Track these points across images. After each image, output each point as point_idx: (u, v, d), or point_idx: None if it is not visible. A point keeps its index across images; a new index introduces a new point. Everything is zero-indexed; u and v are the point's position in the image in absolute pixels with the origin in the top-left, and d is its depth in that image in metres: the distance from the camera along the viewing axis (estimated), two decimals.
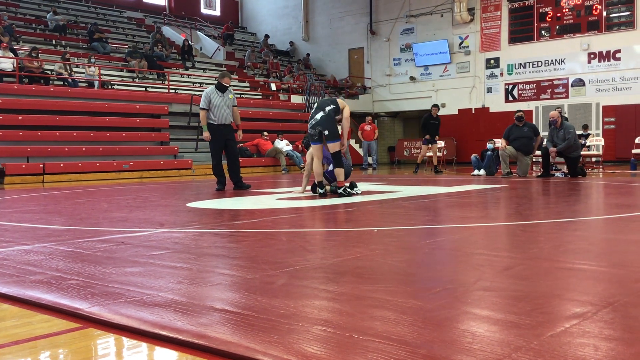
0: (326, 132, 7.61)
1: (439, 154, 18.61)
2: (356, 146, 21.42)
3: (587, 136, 15.95)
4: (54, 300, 2.51)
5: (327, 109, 7.72)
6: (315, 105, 8.03)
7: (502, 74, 21.91)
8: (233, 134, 9.57)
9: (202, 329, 2.06)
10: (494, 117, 21.68)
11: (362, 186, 8.68)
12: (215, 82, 9.49)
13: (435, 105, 15.92)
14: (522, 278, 2.81)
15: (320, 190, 7.77)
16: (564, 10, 20.45)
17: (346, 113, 7.86)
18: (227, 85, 9.34)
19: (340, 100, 7.97)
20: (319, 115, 7.71)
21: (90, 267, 3.18)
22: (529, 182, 10.44)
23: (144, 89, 18.35)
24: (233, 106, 9.45)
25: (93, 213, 6.25)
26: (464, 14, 22.26)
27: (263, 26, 30.07)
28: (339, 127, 7.91)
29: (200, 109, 9.36)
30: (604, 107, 19.71)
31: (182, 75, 20.68)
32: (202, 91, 18.86)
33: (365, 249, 3.69)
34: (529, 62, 21.25)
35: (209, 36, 26.25)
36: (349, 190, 7.74)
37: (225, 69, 23.04)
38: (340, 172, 7.72)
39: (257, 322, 2.11)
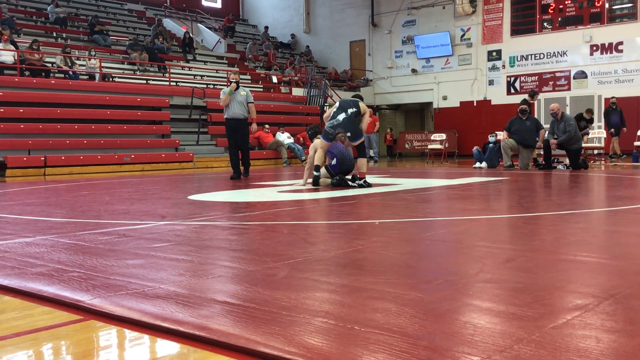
0: (349, 134, 7.80)
1: (440, 147, 18.62)
2: None
3: (589, 121, 15.71)
4: (55, 292, 2.52)
5: (350, 111, 7.83)
6: (337, 104, 8.03)
7: (504, 66, 21.84)
8: (245, 129, 10.38)
9: (204, 320, 2.06)
10: (495, 109, 21.64)
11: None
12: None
13: (534, 93, 14.75)
14: (523, 270, 2.81)
15: (315, 173, 7.82)
16: (566, 2, 20.36)
17: (367, 118, 7.97)
18: (234, 80, 10.27)
19: (362, 104, 8.03)
20: (341, 117, 7.81)
21: (92, 260, 3.18)
22: (531, 174, 10.43)
23: (145, 81, 18.32)
24: (248, 103, 10.29)
25: (94, 205, 6.26)
26: (466, 6, 22.17)
27: (264, 18, 29.98)
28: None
29: (220, 99, 10.39)
30: (606, 99, 19.63)
31: (183, 67, 20.64)
32: (203, 84, 19.07)
33: (366, 241, 3.69)
34: (531, 55, 21.17)
35: (210, 29, 26.17)
36: (367, 182, 7.88)
37: (226, 61, 23.01)
38: (363, 163, 7.98)
39: (258, 314, 2.11)
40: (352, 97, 8.47)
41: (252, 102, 10.38)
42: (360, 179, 7.89)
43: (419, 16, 23.98)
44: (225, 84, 18.31)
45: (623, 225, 4.39)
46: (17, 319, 2.24)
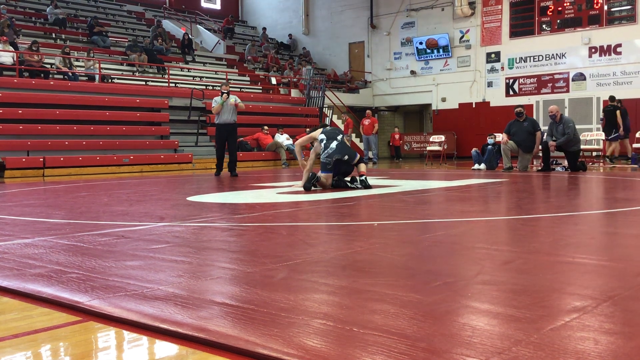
0: (346, 157, 7.90)
1: (439, 148, 18.62)
2: (356, 140, 21.40)
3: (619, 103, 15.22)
4: (54, 293, 2.52)
5: (339, 137, 8.05)
6: (324, 137, 8.10)
7: (502, 68, 21.85)
8: (234, 133, 11.86)
9: (203, 322, 2.06)
10: (494, 111, 21.64)
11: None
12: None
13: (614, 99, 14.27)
14: (522, 272, 2.81)
15: (309, 177, 7.89)
16: (565, 4, 20.38)
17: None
18: (226, 91, 11.64)
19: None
20: (334, 145, 7.92)
21: (91, 261, 3.18)
22: (529, 176, 10.44)
23: (144, 82, 18.32)
24: (237, 103, 11.74)
25: (93, 207, 6.25)
26: (465, 8, 22.18)
27: (263, 20, 29.99)
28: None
29: (212, 108, 11.98)
30: (604, 101, 19.63)
31: (182, 69, 20.63)
32: (202, 85, 19.09)
33: (365, 243, 3.69)
34: (530, 56, 21.19)
35: (209, 30, 26.17)
36: (367, 181, 7.94)
37: (225, 62, 23.01)
38: (362, 165, 8.17)
39: (257, 316, 2.12)
40: (321, 126, 8.65)
41: (240, 102, 11.93)
42: (360, 175, 7.94)
43: (418, 18, 23.99)
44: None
45: (621, 227, 4.39)
46: (15, 320, 2.24)
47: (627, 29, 19.29)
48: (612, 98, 15.43)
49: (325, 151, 7.92)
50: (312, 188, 7.79)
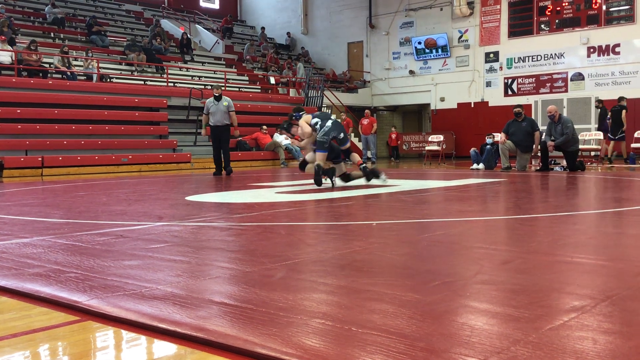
0: (341, 135, 8.16)
1: (438, 148, 18.63)
2: (355, 140, 21.40)
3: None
4: (52, 293, 2.51)
5: (333, 117, 8.43)
6: (318, 119, 8.28)
7: (501, 68, 21.86)
8: (226, 134, 12.04)
9: (201, 321, 2.06)
10: (493, 111, 21.65)
11: (362, 180, 8.65)
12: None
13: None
14: (520, 272, 2.81)
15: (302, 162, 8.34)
16: (564, 4, 20.39)
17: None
18: (217, 94, 11.89)
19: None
20: (329, 123, 8.12)
21: (89, 260, 3.18)
22: (528, 176, 10.45)
23: (142, 82, 18.30)
24: (230, 111, 11.87)
25: (92, 206, 6.25)
26: (464, 8, 22.19)
27: (262, 19, 29.99)
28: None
29: (203, 114, 12.27)
30: (603, 101, 19.67)
31: (180, 68, 20.62)
32: (201, 85, 19.09)
33: (364, 243, 3.69)
34: (528, 56, 21.20)
35: (207, 29, 26.15)
36: (367, 168, 8.28)
37: (224, 62, 23.00)
38: (355, 155, 8.59)
39: (255, 315, 2.11)
40: (294, 110, 8.90)
41: (233, 111, 11.96)
42: (359, 165, 8.29)
43: (416, 17, 24.00)
44: (223, 85, 18.28)
45: (620, 227, 4.40)
46: (14, 320, 2.23)
47: (625, 29, 19.31)
48: (620, 98, 15.46)
49: (322, 130, 8.07)
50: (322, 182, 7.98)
